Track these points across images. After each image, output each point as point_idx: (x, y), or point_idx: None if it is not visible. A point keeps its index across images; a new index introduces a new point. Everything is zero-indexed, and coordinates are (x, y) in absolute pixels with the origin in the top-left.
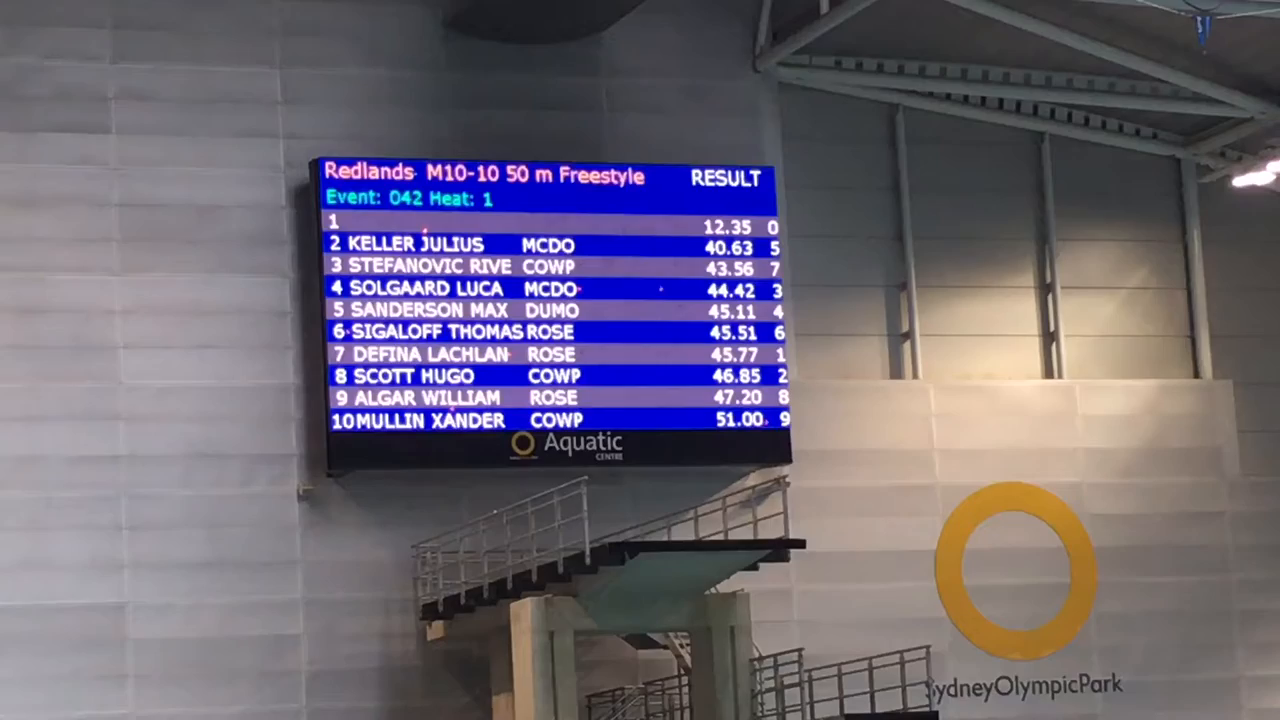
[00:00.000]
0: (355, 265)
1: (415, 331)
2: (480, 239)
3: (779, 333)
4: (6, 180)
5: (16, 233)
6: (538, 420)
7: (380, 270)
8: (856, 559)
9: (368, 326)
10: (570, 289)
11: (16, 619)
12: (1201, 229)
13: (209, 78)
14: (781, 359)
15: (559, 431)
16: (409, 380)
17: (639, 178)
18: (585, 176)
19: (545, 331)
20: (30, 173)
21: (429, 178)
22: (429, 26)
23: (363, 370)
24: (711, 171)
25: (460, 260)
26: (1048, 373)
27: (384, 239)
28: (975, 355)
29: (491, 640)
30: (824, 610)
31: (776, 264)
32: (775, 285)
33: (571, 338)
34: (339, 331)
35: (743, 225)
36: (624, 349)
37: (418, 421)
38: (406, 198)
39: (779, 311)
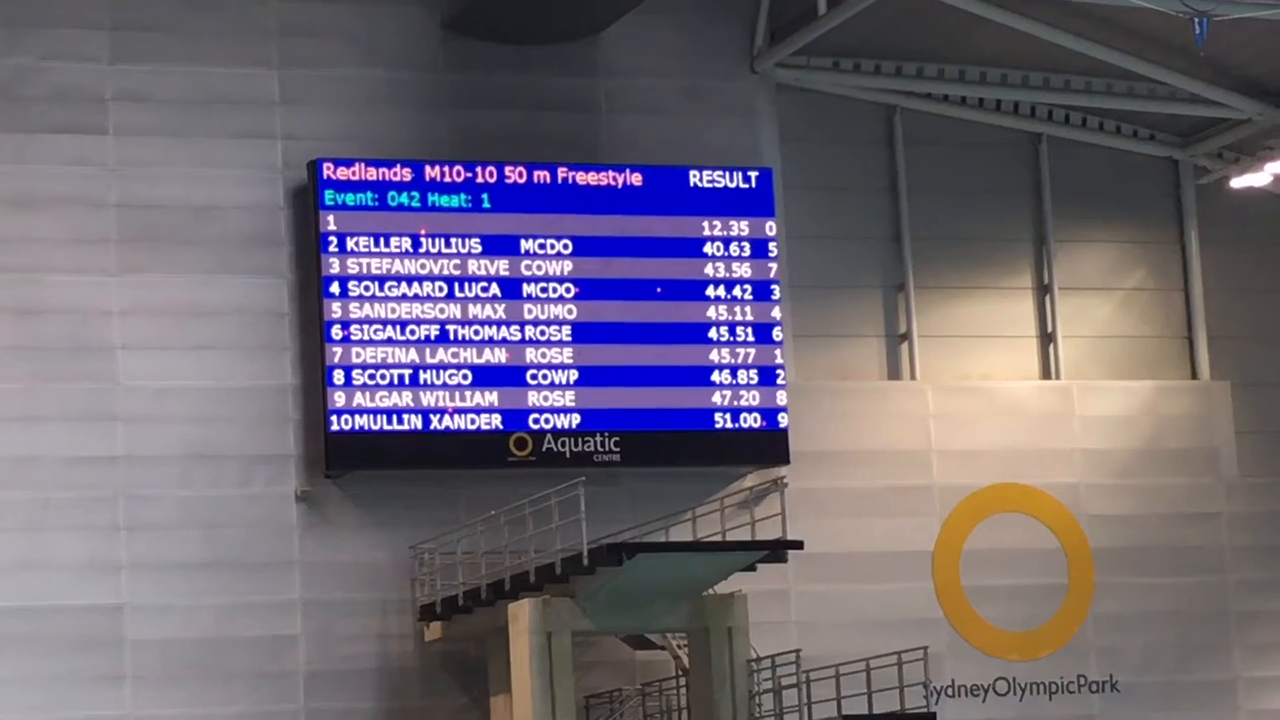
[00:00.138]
0: (353, 266)
1: (413, 332)
2: (478, 240)
3: (777, 334)
4: (4, 181)
5: (14, 233)
6: (535, 421)
7: (378, 271)
8: (854, 560)
9: (365, 327)
10: (568, 290)
11: (14, 620)
12: (1199, 230)
13: (206, 79)
14: (779, 360)
15: (557, 432)
16: (407, 381)
17: (637, 179)
18: (583, 177)
19: (543, 332)
20: (28, 173)
21: (427, 179)
22: (426, 27)
23: (360, 371)
24: (709, 172)
25: (458, 261)
26: (1045, 374)
27: (382, 240)
28: (973, 356)
29: (489, 641)
30: (822, 611)
31: (774, 265)
32: (773, 286)
33: (569, 339)
34: (337, 332)
35: (740, 226)
36: (622, 350)
37: (415, 422)
38: (404, 199)
39: (777, 312)
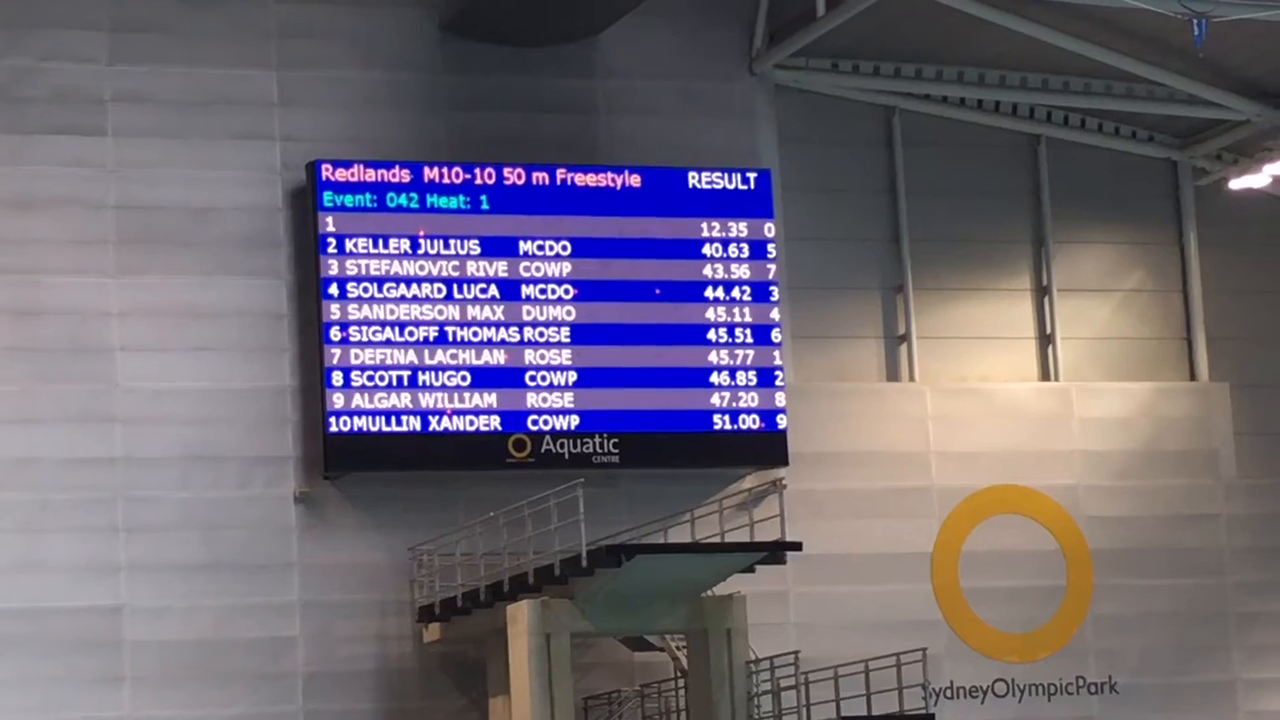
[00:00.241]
0: (351, 267)
1: (412, 334)
2: (476, 241)
3: (775, 335)
4: (3, 182)
5: (12, 235)
6: (534, 423)
7: (377, 272)
8: (853, 561)
9: (364, 329)
10: (567, 291)
11: (12, 621)
12: (1198, 231)
13: (205, 80)
14: (778, 361)
15: (555, 434)
16: (405, 383)
17: (635, 180)
18: (581, 179)
19: (542, 334)
20: (26, 175)
21: (425, 180)
22: (425, 29)
23: (359, 373)
24: (708, 174)
25: (456, 262)
26: (1044, 375)
27: (380, 241)
28: (971, 358)
29: (488, 642)
30: (820, 612)
31: (773, 266)
32: (771, 287)
33: (568, 340)
34: (335, 334)
35: (739, 227)
36: (620, 351)
37: (414, 424)
38: (403, 200)
39: (775, 314)
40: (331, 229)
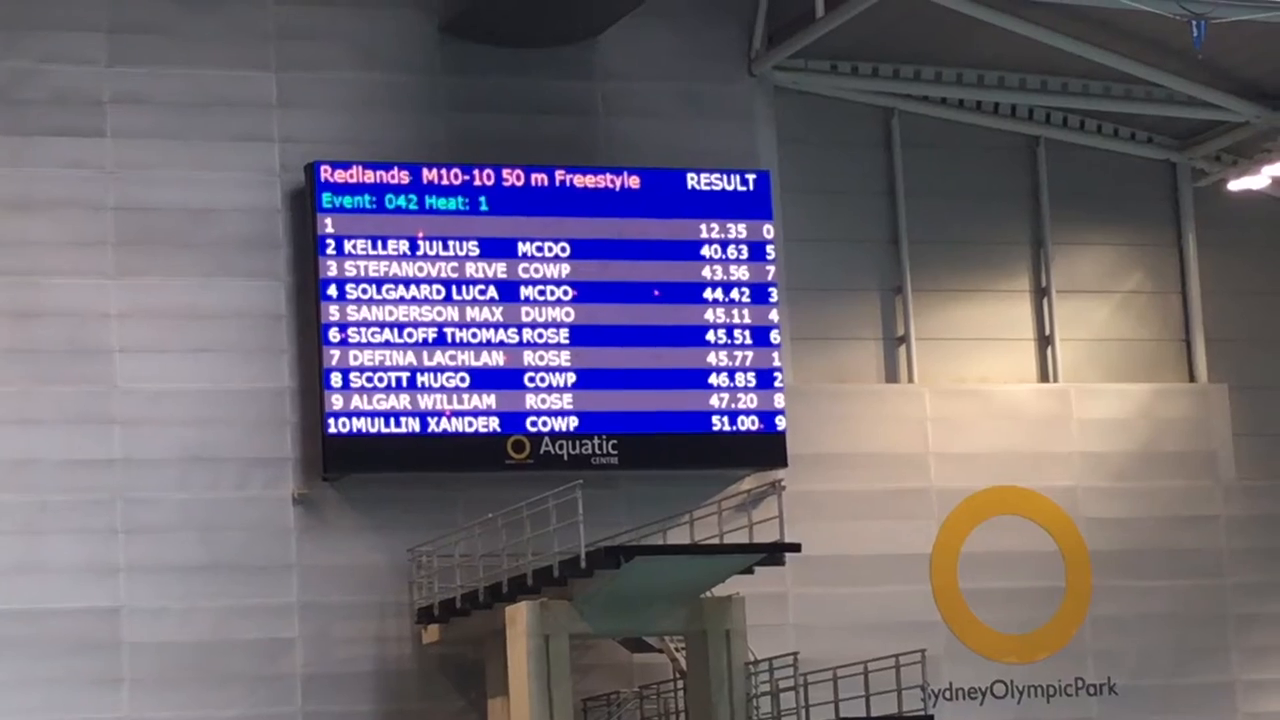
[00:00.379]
0: (350, 269)
1: (410, 335)
2: (475, 242)
3: (774, 336)
4: (2, 184)
5: (11, 236)
6: (533, 424)
7: (375, 274)
8: (852, 563)
9: (363, 330)
10: (565, 293)
11: (11, 622)
12: (1196, 233)
13: (204, 82)
14: (777, 363)
15: (554, 435)
16: (404, 384)
17: (634, 181)
18: (580, 180)
19: (540, 335)
20: (25, 176)
21: (424, 181)
22: (424, 30)
23: (358, 374)
24: (707, 175)
25: (455, 264)
26: (1043, 376)
27: (379, 242)
28: (970, 359)
29: (487, 644)
30: (819, 614)
31: (772, 268)
32: (770, 289)
33: (567, 341)
34: (334, 335)
35: (738, 229)
36: (619, 353)
37: (413, 425)
38: (402, 201)
39: (774, 315)
40: (330, 230)
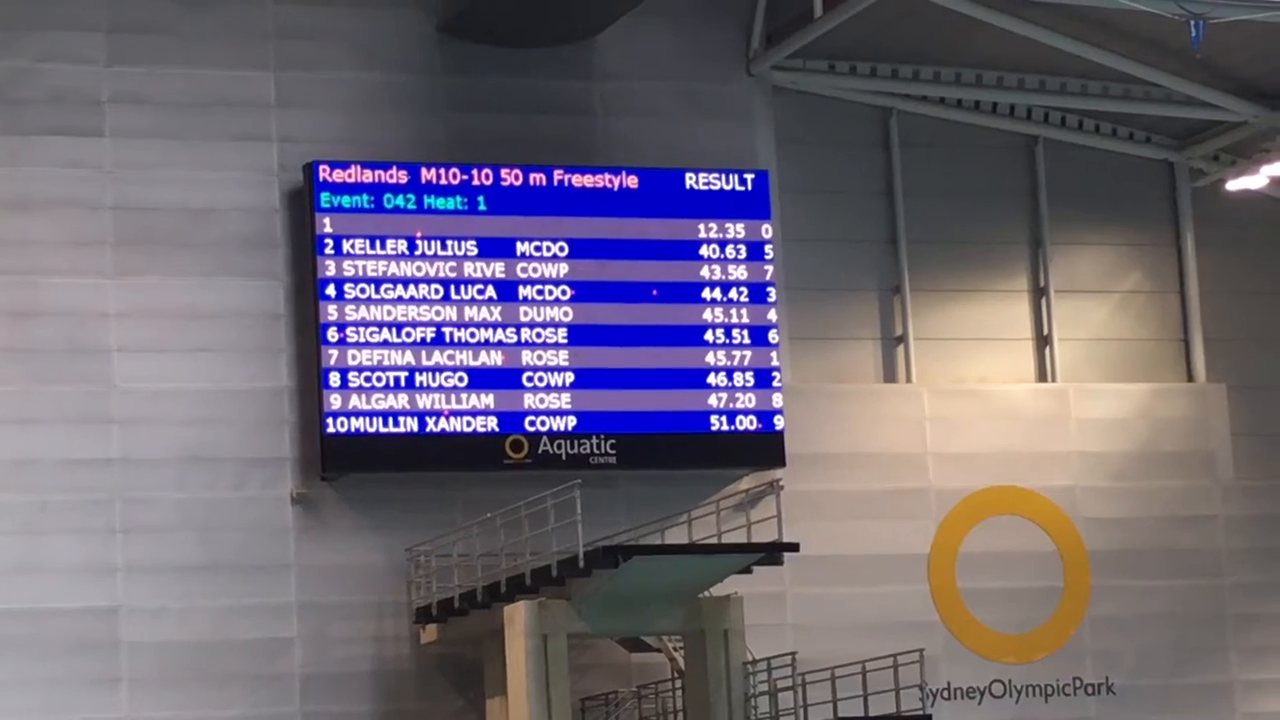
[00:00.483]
0: (349, 269)
1: (409, 335)
2: (474, 242)
3: (773, 336)
4: (0, 184)
5: (10, 236)
6: (531, 424)
7: (374, 273)
8: (850, 562)
9: (361, 330)
10: (564, 292)
11: (10, 622)
12: (1195, 233)
13: (203, 81)
14: (775, 362)
15: (553, 435)
16: (403, 384)
17: (633, 181)
18: (579, 180)
19: (539, 335)
20: (24, 176)
21: (423, 181)
22: (422, 30)
23: (356, 374)
24: (705, 175)
25: (454, 263)
26: (1041, 376)
27: (378, 242)
28: (969, 359)
29: (485, 644)
30: (817, 614)
31: (770, 267)
32: (769, 289)
33: (565, 341)
34: (333, 335)
35: (736, 229)
36: (618, 352)
37: (411, 425)
38: (400, 201)
39: (773, 315)
40: (329, 230)
